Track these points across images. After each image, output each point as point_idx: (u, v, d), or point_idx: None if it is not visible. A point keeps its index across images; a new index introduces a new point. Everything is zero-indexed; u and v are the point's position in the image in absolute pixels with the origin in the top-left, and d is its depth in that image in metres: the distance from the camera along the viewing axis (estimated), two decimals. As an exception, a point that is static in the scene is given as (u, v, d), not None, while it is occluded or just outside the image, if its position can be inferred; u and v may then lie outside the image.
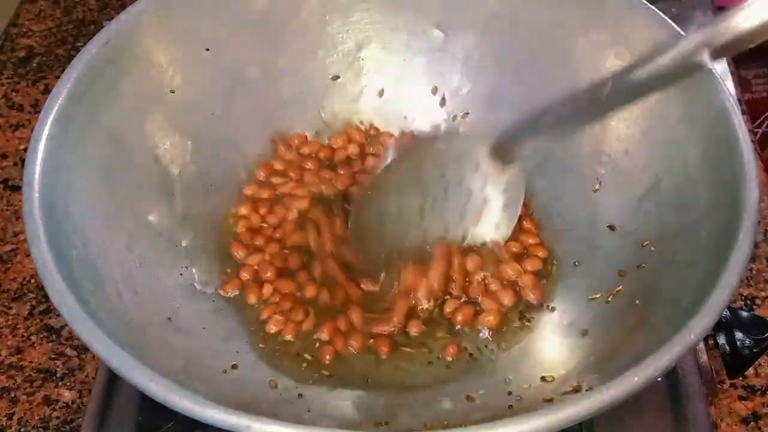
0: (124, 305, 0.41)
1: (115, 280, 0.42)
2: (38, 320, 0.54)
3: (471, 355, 0.46)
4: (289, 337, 0.47)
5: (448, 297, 0.48)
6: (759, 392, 0.51)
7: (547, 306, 0.48)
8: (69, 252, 0.39)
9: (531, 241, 0.50)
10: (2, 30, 0.75)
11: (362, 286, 0.49)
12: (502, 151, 0.47)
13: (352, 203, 0.52)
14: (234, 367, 0.44)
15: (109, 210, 0.44)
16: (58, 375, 0.52)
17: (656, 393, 0.46)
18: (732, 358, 0.46)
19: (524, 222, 0.51)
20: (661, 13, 0.46)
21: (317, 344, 0.47)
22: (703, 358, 0.47)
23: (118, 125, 0.46)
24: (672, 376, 0.46)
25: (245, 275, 0.50)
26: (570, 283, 0.48)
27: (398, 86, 0.56)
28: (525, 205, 0.51)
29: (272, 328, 0.47)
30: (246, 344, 0.46)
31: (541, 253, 0.50)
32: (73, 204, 0.41)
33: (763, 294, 0.56)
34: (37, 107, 0.68)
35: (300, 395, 0.44)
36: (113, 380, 0.46)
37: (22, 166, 0.40)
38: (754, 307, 0.55)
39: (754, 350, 0.46)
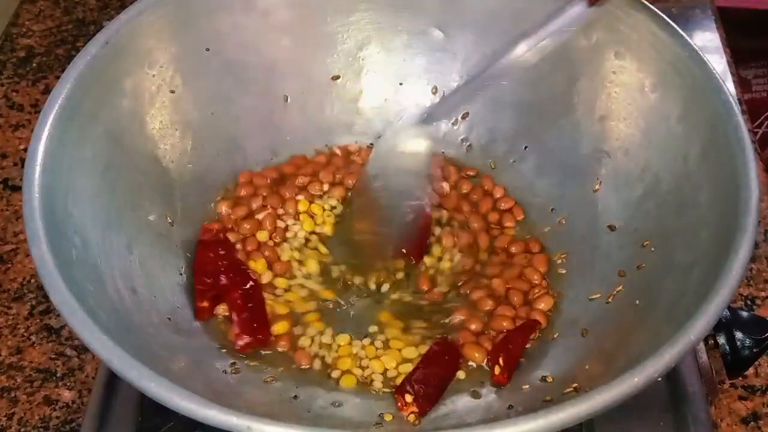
0: (124, 305, 0.41)
1: (115, 280, 0.42)
2: (38, 320, 0.54)
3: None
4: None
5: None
6: (759, 392, 0.51)
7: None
8: (69, 252, 0.39)
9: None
10: (2, 30, 0.75)
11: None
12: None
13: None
14: (234, 366, 0.44)
15: (109, 210, 0.44)
16: (58, 375, 0.52)
17: (656, 393, 0.45)
18: (732, 358, 0.46)
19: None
20: (661, 13, 0.46)
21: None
22: (703, 358, 0.47)
23: (118, 125, 0.46)
24: (672, 376, 0.46)
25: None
26: (570, 283, 0.48)
27: (398, 86, 0.56)
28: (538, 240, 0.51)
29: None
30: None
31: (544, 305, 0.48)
32: (73, 204, 0.41)
33: (763, 294, 0.56)
34: (37, 107, 0.68)
35: (298, 396, 0.44)
36: (113, 380, 0.46)
37: (22, 166, 0.40)
38: (754, 307, 0.55)
39: (754, 350, 0.46)
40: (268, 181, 0.53)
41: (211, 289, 0.47)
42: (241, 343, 0.45)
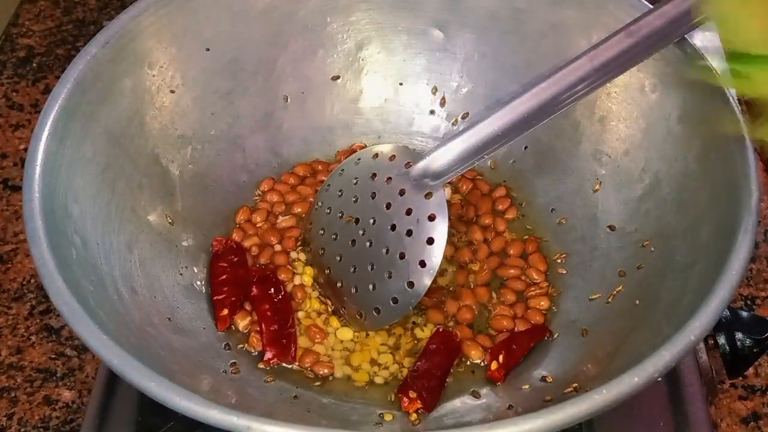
0: (124, 305, 0.41)
1: (115, 280, 0.42)
2: (38, 320, 0.54)
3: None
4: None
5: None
6: (759, 392, 0.51)
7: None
8: (69, 252, 0.39)
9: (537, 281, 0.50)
10: (2, 30, 0.75)
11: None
12: (431, 177, 0.45)
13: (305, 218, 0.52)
14: (234, 366, 0.44)
15: (109, 210, 0.44)
16: (58, 375, 0.52)
17: (656, 393, 0.46)
18: (732, 358, 0.46)
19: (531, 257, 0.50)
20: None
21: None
22: (703, 358, 0.47)
23: (118, 125, 0.46)
24: (672, 376, 0.46)
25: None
26: (570, 283, 0.48)
27: (398, 86, 0.56)
28: (537, 240, 0.51)
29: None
30: (245, 344, 0.46)
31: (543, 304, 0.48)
32: (73, 204, 0.41)
33: (763, 294, 0.56)
34: (37, 107, 0.68)
35: (297, 396, 0.44)
36: (113, 380, 0.46)
37: (22, 166, 0.40)
38: (754, 307, 0.55)
39: (754, 350, 0.46)
40: (290, 187, 0.54)
41: (230, 297, 0.47)
42: (269, 356, 0.45)
